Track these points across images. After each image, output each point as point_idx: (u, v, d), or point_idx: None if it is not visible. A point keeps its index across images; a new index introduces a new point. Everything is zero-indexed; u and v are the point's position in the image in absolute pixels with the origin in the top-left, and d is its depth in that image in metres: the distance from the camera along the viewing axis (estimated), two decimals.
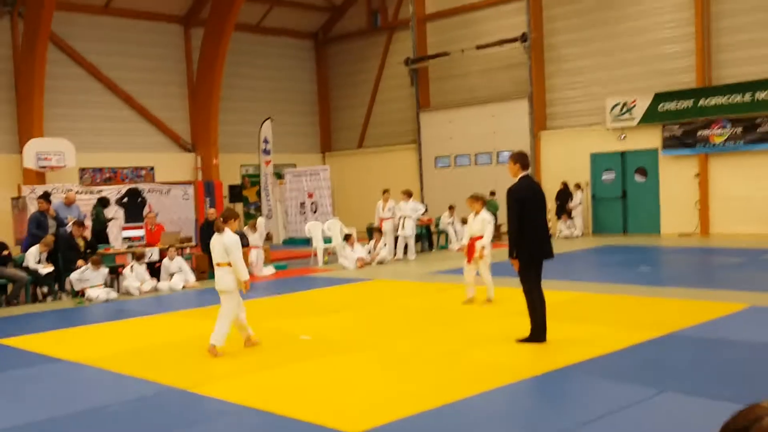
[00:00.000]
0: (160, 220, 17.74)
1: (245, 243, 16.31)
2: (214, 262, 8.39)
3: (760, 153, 18.76)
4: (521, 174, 8.17)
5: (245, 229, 16.61)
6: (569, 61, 22.19)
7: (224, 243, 8.16)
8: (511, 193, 8.12)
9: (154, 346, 9.13)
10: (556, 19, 22.41)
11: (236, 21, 23.89)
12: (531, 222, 8.01)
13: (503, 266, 14.97)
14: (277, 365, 7.72)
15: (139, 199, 18.68)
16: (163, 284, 14.33)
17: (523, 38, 22.37)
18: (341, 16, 28.52)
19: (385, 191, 18.63)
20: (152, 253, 14.82)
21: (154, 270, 14.67)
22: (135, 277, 14.08)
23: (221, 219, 8.43)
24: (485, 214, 10.71)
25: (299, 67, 28.83)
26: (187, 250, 16.23)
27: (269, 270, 16.18)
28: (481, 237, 10.64)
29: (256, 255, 15.99)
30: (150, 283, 14.19)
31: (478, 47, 23.68)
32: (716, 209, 19.70)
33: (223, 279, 8.30)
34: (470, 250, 10.76)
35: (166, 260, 14.65)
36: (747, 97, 18.77)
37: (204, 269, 15.81)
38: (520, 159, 8.29)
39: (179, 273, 14.59)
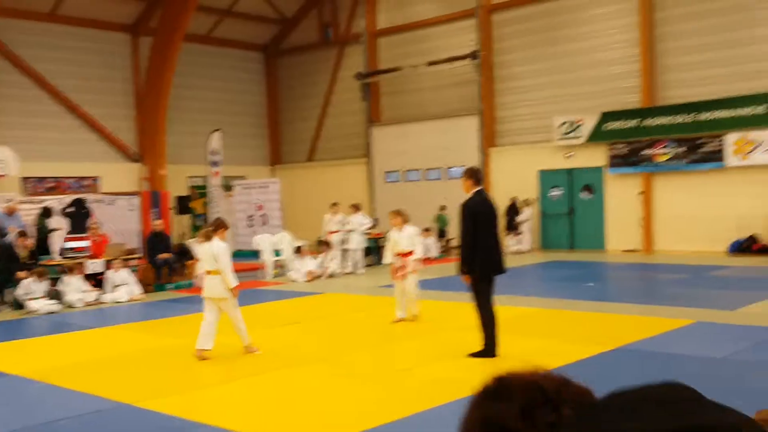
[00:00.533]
0: (105, 231, 17.32)
1: (189, 256, 16.03)
2: (204, 270, 8.69)
3: (703, 173, 19.29)
4: (474, 189, 8.21)
5: (193, 241, 16.33)
6: (518, 80, 22.52)
7: (213, 251, 8.44)
8: (465, 207, 8.14)
9: (101, 359, 8.87)
10: (506, 38, 22.74)
11: (186, 31, 23.61)
12: (484, 237, 8.04)
13: (452, 281, 15.06)
14: (228, 380, 7.58)
15: (84, 210, 18.21)
16: (108, 296, 13.98)
17: (474, 56, 22.63)
18: (292, 28, 28.45)
19: (334, 204, 18.59)
20: (96, 265, 14.45)
21: (99, 282, 14.29)
22: (73, 289, 13.66)
23: (211, 228, 8.79)
24: (411, 229, 10.58)
25: (249, 79, 28.62)
26: (133, 262, 15.88)
27: None
28: (409, 253, 10.43)
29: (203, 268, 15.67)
30: (94, 295, 13.82)
31: (430, 63, 23.87)
32: (659, 227, 20.16)
33: (216, 287, 8.53)
34: (399, 267, 10.44)
35: (110, 272, 14.31)
36: (690, 117, 19.29)
37: (150, 282, 15.50)
38: (473, 174, 8.33)
39: (124, 285, 14.26)
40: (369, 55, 25.67)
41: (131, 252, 16.04)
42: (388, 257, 10.81)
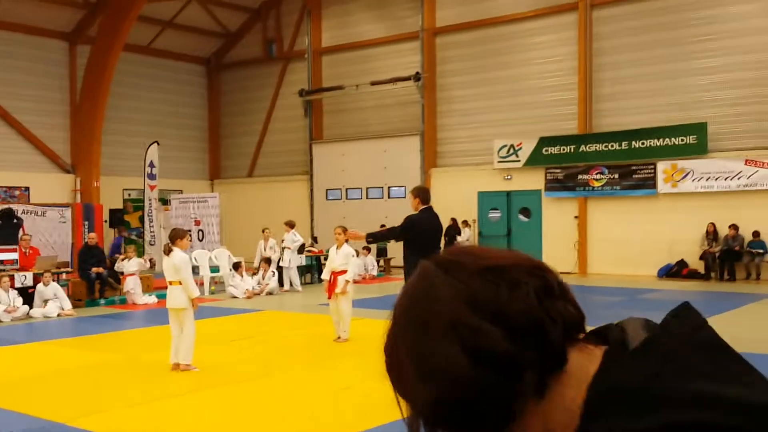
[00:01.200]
0: (35, 243, 16.76)
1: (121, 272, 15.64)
2: (167, 280, 8.62)
3: (635, 198, 19.85)
4: (422, 207, 8.25)
5: (122, 256, 15.92)
6: (460, 102, 22.83)
7: (174, 262, 8.42)
8: (410, 219, 8.17)
9: (30, 376, 8.53)
10: (449, 61, 23.05)
11: (126, 41, 23.17)
12: (425, 252, 8.06)
13: (393, 300, 15.06)
14: (164, 396, 7.37)
15: (15, 220, 17.60)
16: (37, 311, 13.49)
17: (417, 77, 22.86)
18: (235, 43, 28.24)
19: (265, 230, 18.44)
20: (25, 278, 13.94)
21: (27, 296, 13.78)
22: (0, 302, 13.16)
23: (168, 241, 8.73)
24: (349, 248, 10.53)
25: (189, 92, 28.24)
26: (64, 276, 15.38)
27: (151, 299, 15.48)
28: (343, 272, 10.36)
29: (133, 282, 15.23)
30: (22, 309, 13.31)
31: (373, 83, 23.99)
32: (593, 250, 20.62)
33: (177, 297, 8.47)
34: (332, 285, 10.37)
35: (40, 286, 13.82)
36: (624, 145, 19.87)
37: (81, 296, 15.04)
38: (420, 193, 8.37)
39: (54, 300, 13.79)
40: (312, 72, 25.65)
41: (62, 265, 15.55)
42: (325, 274, 10.78)
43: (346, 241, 10.77)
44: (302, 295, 17.01)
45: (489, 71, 22.22)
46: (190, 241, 9.26)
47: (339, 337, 10.43)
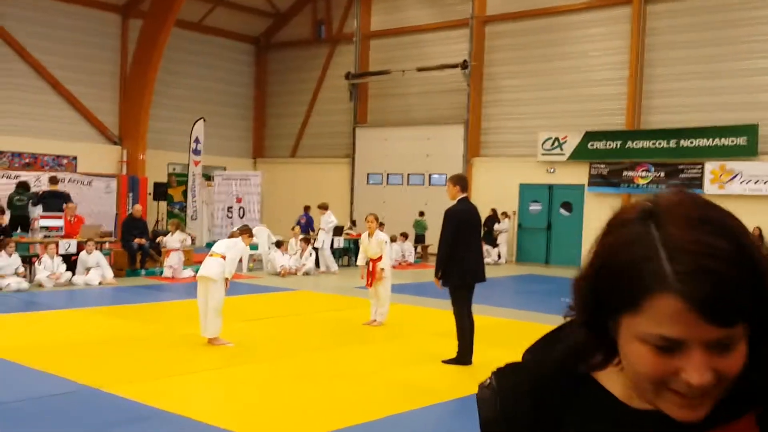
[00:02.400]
0: (80, 212, 17.10)
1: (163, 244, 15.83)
2: (210, 253, 8.86)
3: None
4: (460, 196, 8.20)
5: (170, 228, 16.17)
6: (507, 92, 22.61)
7: (230, 244, 8.85)
8: (449, 214, 8.13)
9: (68, 342, 8.74)
10: (498, 50, 22.82)
11: (177, 17, 23.41)
12: (466, 244, 8.03)
13: (428, 286, 15.05)
14: (197, 370, 7.49)
15: (59, 191, 17.89)
16: (79, 278, 13.78)
17: (464, 65, 22.68)
18: (285, 23, 28.33)
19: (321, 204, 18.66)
20: (69, 245, 14.24)
21: (71, 263, 14.09)
22: (44, 268, 13.47)
23: (237, 230, 9.35)
24: (382, 235, 10.56)
25: (237, 70, 28.45)
26: (106, 245, 15.69)
27: (188, 273, 15.62)
28: (379, 258, 10.38)
29: (178, 257, 15.48)
30: (65, 275, 13.62)
31: (419, 69, 23.88)
32: None
33: (212, 267, 8.62)
34: (371, 273, 10.38)
35: (83, 254, 14.11)
36: (672, 143, 19.50)
37: (122, 266, 15.32)
38: (460, 181, 8.32)
39: (96, 268, 14.07)
40: (360, 55, 25.63)
41: (106, 235, 15.85)
42: (360, 260, 10.86)
43: (381, 226, 10.82)
44: (338, 277, 17.10)
45: (537, 62, 21.95)
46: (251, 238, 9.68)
47: (374, 320, 10.47)
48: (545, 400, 0.99)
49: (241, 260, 16.20)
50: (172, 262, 15.22)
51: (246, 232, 9.18)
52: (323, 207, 18.17)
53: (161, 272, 15.52)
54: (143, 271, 15.60)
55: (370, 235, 10.50)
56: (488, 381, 1.04)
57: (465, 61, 22.71)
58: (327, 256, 17.90)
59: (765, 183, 18.12)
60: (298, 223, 20.19)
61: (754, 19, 18.51)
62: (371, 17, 25.82)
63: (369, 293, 10.74)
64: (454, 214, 8.07)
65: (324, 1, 27.18)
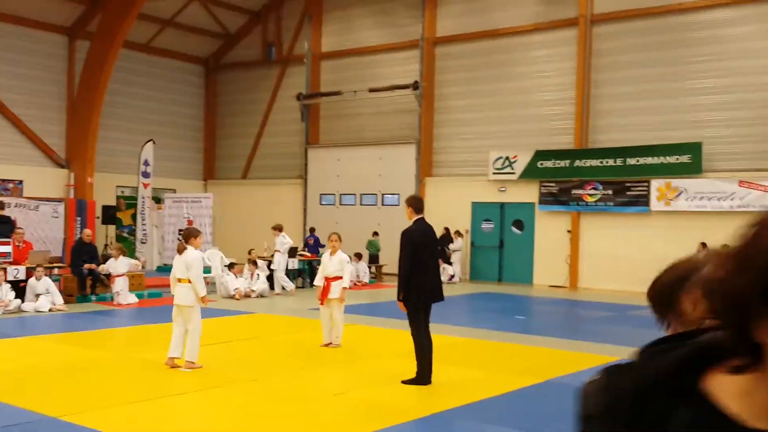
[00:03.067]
0: (27, 237, 16.69)
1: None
2: (175, 278, 8.74)
3: (628, 215, 19.96)
4: (416, 217, 8.30)
5: (112, 251, 15.77)
6: (458, 113, 22.92)
7: (186, 260, 8.58)
8: (406, 235, 8.21)
9: (22, 370, 8.52)
10: (448, 71, 23.15)
11: (125, 38, 23.15)
12: (423, 265, 8.11)
13: (383, 307, 15.09)
14: (159, 396, 7.38)
15: (5, 215, 17.47)
16: (28, 305, 13.44)
17: (415, 86, 22.94)
18: (235, 44, 28.27)
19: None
20: (18, 272, 13.89)
21: (19, 289, 13.73)
22: None
23: (182, 239, 8.92)
24: (343, 255, 10.53)
25: (187, 91, 28.24)
26: (56, 271, 15.35)
27: (133, 298, 15.23)
28: (337, 278, 10.32)
29: (123, 282, 15.03)
30: (14, 303, 13.27)
31: (371, 90, 24.06)
32: (584, 265, 20.71)
33: (186, 295, 8.61)
34: (325, 292, 10.34)
35: (32, 280, 13.77)
36: (619, 161, 19.99)
37: (72, 292, 14.99)
38: (414, 203, 8.43)
39: (46, 294, 13.74)
40: (311, 76, 25.71)
41: (55, 260, 15.51)
42: (318, 280, 10.72)
43: (310, 243, 10.82)
44: (293, 299, 17.02)
45: (487, 83, 22.33)
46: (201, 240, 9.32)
47: (330, 343, 10.43)
48: (646, 405, 0.98)
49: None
50: (118, 288, 14.84)
51: (190, 236, 8.86)
52: (278, 228, 18.12)
53: (112, 297, 15.21)
54: (94, 297, 15.28)
55: (332, 253, 10.46)
56: (597, 376, 1.06)
57: (416, 81, 22.97)
58: (281, 278, 17.82)
59: (710, 199, 18.68)
60: (306, 244, 20.38)
61: (696, 40, 19.17)
62: (322, 38, 25.95)
63: (321, 315, 10.63)
64: (410, 235, 8.16)
65: (274, 23, 27.22)
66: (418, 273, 8.03)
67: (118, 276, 14.91)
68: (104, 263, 15.68)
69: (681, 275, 1.35)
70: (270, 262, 17.96)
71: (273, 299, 16.85)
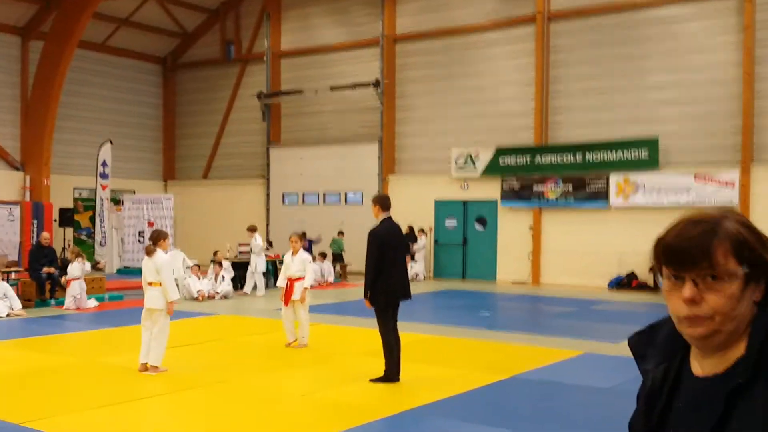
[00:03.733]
0: None
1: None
2: (146, 281, 8.66)
3: (588, 210, 20.22)
4: (382, 216, 8.30)
5: (70, 256, 15.41)
6: (419, 110, 22.98)
7: (156, 263, 8.51)
8: (372, 234, 8.21)
9: None
10: (409, 68, 23.20)
11: (80, 38, 22.73)
12: (390, 263, 8.12)
13: (348, 305, 15.08)
14: (125, 400, 7.26)
15: None
16: None
17: (376, 84, 22.94)
18: (193, 43, 27.96)
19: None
20: None
21: None
22: None
23: (150, 242, 8.79)
24: (305, 254, 10.48)
25: (145, 91, 27.86)
26: (13, 275, 15.02)
27: (92, 302, 14.95)
28: (300, 278, 10.26)
29: (79, 286, 14.70)
30: None
31: (332, 88, 24.00)
32: (547, 260, 20.93)
33: (157, 298, 8.55)
34: (288, 292, 10.27)
35: None
36: (578, 157, 20.23)
37: (31, 297, 14.68)
38: (381, 201, 8.42)
39: (3, 299, 13.43)
40: (271, 75, 25.55)
41: (12, 264, 15.17)
42: (281, 281, 10.64)
43: (304, 247, 10.76)
44: (258, 300, 16.91)
45: (448, 80, 22.43)
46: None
47: (294, 342, 10.33)
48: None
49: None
50: (74, 292, 14.50)
51: (159, 238, 8.79)
52: (252, 229, 18.00)
53: (62, 302, 14.77)
54: (53, 301, 14.97)
55: (293, 253, 10.38)
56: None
57: (377, 79, 22.98)
58: (260, 279, 17.70)
59: (666, 194, 19.02)
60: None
61: (650, 36, 19.50)
62: (281, 36, 25.81)
63: (282, 315, 10.54)
64: (376, 234, 8.16)
65: (232, 21, 26.98)
66: (385, 272, 8.03)
67: (75, 279, 14.54)
68: (63, 267, 15.37)
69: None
70: (234, 263, 17.82)
71: (237, 300, 16.71)
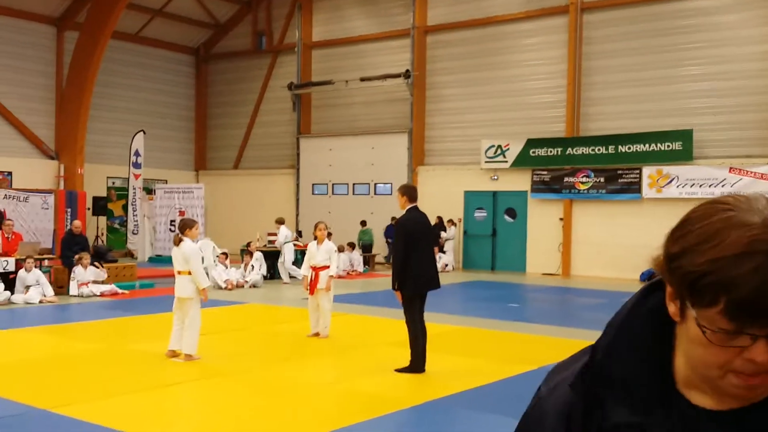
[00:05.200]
0: (16, 228, 16.58)
1: (105, 259, 15.38)
2: (175, 270, 8.71)
3: (620, 202, 19.97)
4: (409, 206, 8.24)
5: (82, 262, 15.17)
6: (449, 101, 22.86)
7: (184, 252, 8.53)
8: (399, 224, 8.17)
9: (12, 362, 8.45)
10: (439, 59, 23.07)
11: (114, 28, 22.97)
12: (418, 253, 8.07)
13: (376, 295, 15.07)
14: (148, 388, 7.33)
15: None
16: (18, 297, 13.35)
17: (407, 75, 22.85)
18: (225, 34, 28.10)
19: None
20: (7, 264, 13.80)
21: (9, 281, 13.64)
22: None
23: (178, 231, 8.82)
24: (330, 244, 10.39)
25: (177, 81, 28.08)
26: (46, 262, 15.25)
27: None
28: (325, 267, 10.17)
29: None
30: (3, 294, 13.18)
31: (362, 79, 23.96)
32: (577, 252, 20.73)
33: (186, 287, 8.58)
34: (314, 282, 10.17)
35: (22, 272, 13.67)
36: (611, 149, 19.97)
37: (63, 284, 14.90)
38: (408, 191, 8.35)
39: (36, 286, 13.65)
40: (302, 66, 25.59)
41: (45, 252, 15.41)
42: (304, 269, 10.59)
43: (329, 236, 10.73)
44: (286, 288, 16.98)
45: (479, 71, 22.26)
46: (198, 231, 9.20)
47: (317, 334, 10.28)
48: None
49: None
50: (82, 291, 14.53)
51: (185, 227, 8.76)
52: (279, 222, 18.23)
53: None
54: (84, 288, 15.16)
55: (319, 243, 10.32)
56: None
57: (407, 70, 22.89)
58: (290, 268, 17.86)
59: (701, 186, 18.70)
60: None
61: (686, 27, 19.14)
62: (313, 28, 25.82)
63: (309, 305, 10.51)
64: (403, 224, 8.11)
65: (264, 12, 27.06)
66: (412, 262, 7.98)
67: (83, 284, 14.52)
68: (95, 255, 15.57)
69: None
70: (265, 253, 17.96)
71: (267, 289, 16.79)
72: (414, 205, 8.27)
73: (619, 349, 1.09)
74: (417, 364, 8.08)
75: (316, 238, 10.42)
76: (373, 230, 22.41)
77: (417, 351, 8.10)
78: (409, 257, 7.98)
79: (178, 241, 8.73)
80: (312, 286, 10.23)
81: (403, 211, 8.28)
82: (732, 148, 18.55)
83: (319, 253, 10.24)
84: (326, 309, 10.24)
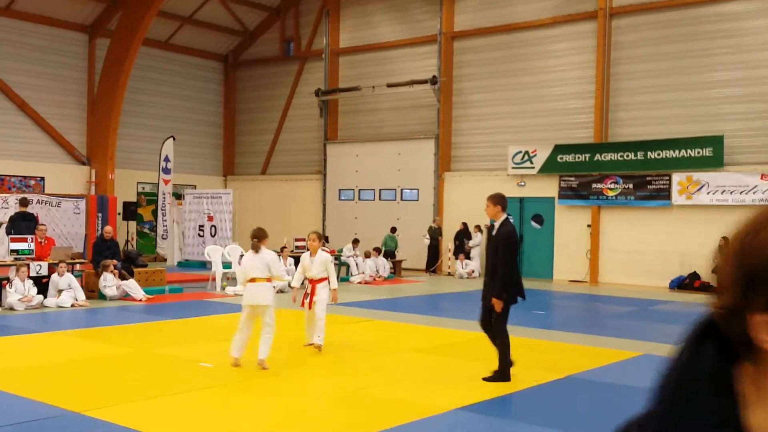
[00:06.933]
0: (48, 233, 16.84)
1: (136, 263, 15.57)
2: (248, 278, 8.60)
3: (649, 209, 19.80)
4: (502, 216, 8.11)
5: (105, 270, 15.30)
6: (476, 107, 22.84)
7: (265, 259, 8.58)
8: (510, 235, 8.08)
9: (45, 365, 8.60)
10: (467, 65, 23.07)
11: (145, 35, 23.28)
12: (516, 263, 8.23)
13: (402, 302, 15.09)
14: (177, 392, 7.42)
15: (29, 212, 17.66)
16: (51, 301, 13.58)
17: (434, 81, 22.88)
18: (253, 41, 28.35)
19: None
20: (41, 268, 14.03)
21: (42, 285, 13.87)
22: (15, 291, 13.23)
23: (255, 239, 8.75)
24: (326, 255, 9.75)
25: (206, 88, 28.37)
26: (78, 267, 15.48)
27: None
28: (322, 280, 9.60)
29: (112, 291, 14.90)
30: (36, 298, 13.40)
31: (389, 85, 24.03)
32: (605, 259, 20.58)
33: (265, 294, 8.60)
34: (310, 295, 9.59)
35: (55, 276, 13.90)
36: (639, 155, 19.82)
37: (94, 288, 15.12)
38: (501, 201, 8.16)
39: (68, 290, 13.87)
40: (329, 72, 25.72)
41: (77, 256, 15.63)
42: (297, 281, 9.94)
43: (323, 245, 10.38)
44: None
45: (506, 77, 22.22)
46: None
47: (312, 344, 9.74)
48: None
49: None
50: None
51: (264, 236, 8.75)
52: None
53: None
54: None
55: (312, 254, 9.62)
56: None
57: (434, 76, 22.91)
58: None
59: (731, 193, 18.49)
60: None
61: (716, 32, 18.96)
62: (340, 34, 25.96)
63: (306, 317, 9.98)
64: (513, 235, 8.13)
65: (292, 19, 27.26)
66: (515, 272, 8.07)
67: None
68: (125, 260, 15.78)
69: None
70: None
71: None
72: (507, 215, 8.24)
73: (680, 421, 0.90)
74: (505, 372, 8.12)
75: (308, 248, 9.86)
76: (399, 237, 22.39)
77: (506, 359, 8.12)
78: (514, 267, 8.08)
79: (257, 248, 8.65)
80: (310, 300, 9.63)
81: (497, 222, 8.12)
82: (763, 154, 18.32)
83: (314, 265, 9.60)
84: (321, 318, 9.57)
